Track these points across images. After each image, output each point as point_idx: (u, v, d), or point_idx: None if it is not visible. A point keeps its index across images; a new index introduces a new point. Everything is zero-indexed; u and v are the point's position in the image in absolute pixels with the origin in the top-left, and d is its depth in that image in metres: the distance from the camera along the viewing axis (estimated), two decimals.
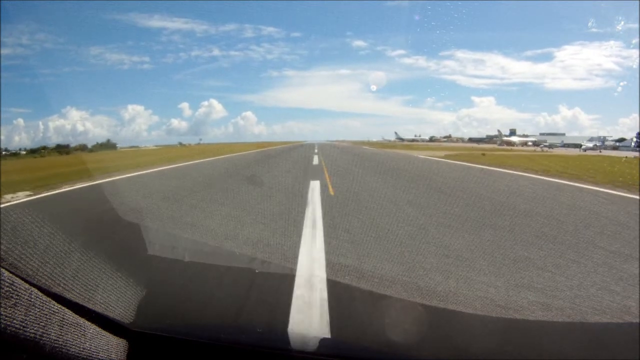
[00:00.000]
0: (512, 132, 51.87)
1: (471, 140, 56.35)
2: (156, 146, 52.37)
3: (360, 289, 2.78)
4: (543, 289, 2.86)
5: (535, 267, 3.35)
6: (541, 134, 52.37)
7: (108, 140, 50.97)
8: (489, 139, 53.41)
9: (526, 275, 3.16)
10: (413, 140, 60.18)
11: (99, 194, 8.77)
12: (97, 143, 49.63)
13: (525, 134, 50.62)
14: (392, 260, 3.53)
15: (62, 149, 43.67)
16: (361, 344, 1.91)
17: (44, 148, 44.26)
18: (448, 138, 59.92)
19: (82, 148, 45.23)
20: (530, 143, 46.64)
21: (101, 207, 6.44)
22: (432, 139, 60.67)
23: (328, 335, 2.06)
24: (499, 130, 52.91)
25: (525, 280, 3.04)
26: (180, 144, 55.30)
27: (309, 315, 2.35)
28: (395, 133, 61.57)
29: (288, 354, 1.38)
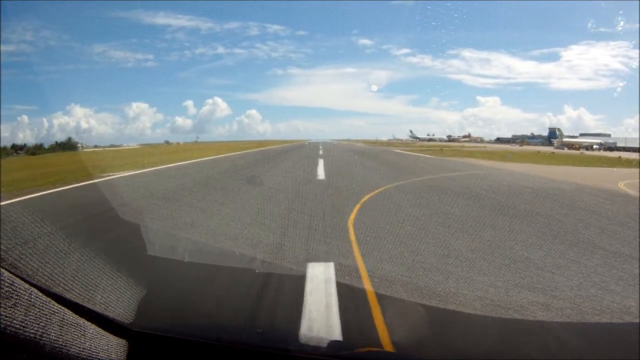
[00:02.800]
0: (553, 133, 43.17)
1: (500, 140, 49.89)
2: (140, 145, 48.18)
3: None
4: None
5: None
6: (582, 135, 43.42)
7: (69, 139, 44.63)
8: (521, 140, 47.14)
9: None
10: (430, 140, 54.67)
11: None
12: (56, 142, 43.56)
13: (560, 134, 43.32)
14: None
15: (16, 149, 38.40)
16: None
17: None
18: (469, 138, 54.13)
19: (34, 149, 39.10)
20: (596, 146, 36.68)
21: None
22: (450, 139, 54.77)
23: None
24: (559, 129, 43.21)
25: None
26: (167, 142, 51.58)
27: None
28: (410, 131, 57.59)
29: (288, 354, 1.38)
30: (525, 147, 39.29)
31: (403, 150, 31.09)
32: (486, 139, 53.19)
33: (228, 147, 35.42)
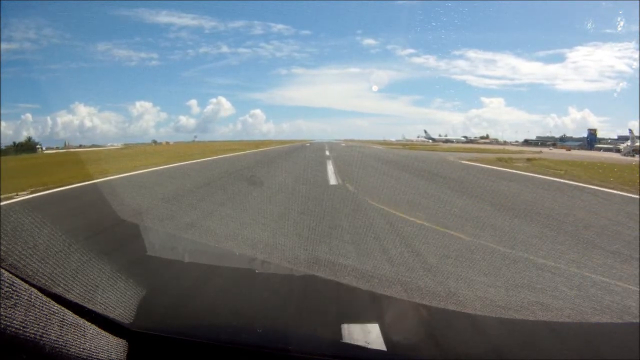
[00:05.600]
0: (593, 135, 36.91)
1: (527, 142, 43.88)
2: (124, 145, 44.38)
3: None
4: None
5: None
6: (620, 137, 36.24)
7: (29, 139, 40.39)
8: (553, 142, 41.24)
9: None
10: (447, 141, 51.73)
11: None
12: (14, 143, 39.07)
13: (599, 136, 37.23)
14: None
15: None
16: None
17: None
18: (488, 139, 47.80)
19: None
20: None
21: None
22: (468, 140, 49.55)
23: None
24: (630, 130, 32.57)
25: None
26: (154, 142, 49.12)
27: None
28: (425, 132, 53.57)
29: (288, 354, 1.38)
30: (603, 154, 29.85)
31: (461, 159, 18.44)
32: (492, 140, 50.65)
33: (219, 148, 32.50)
